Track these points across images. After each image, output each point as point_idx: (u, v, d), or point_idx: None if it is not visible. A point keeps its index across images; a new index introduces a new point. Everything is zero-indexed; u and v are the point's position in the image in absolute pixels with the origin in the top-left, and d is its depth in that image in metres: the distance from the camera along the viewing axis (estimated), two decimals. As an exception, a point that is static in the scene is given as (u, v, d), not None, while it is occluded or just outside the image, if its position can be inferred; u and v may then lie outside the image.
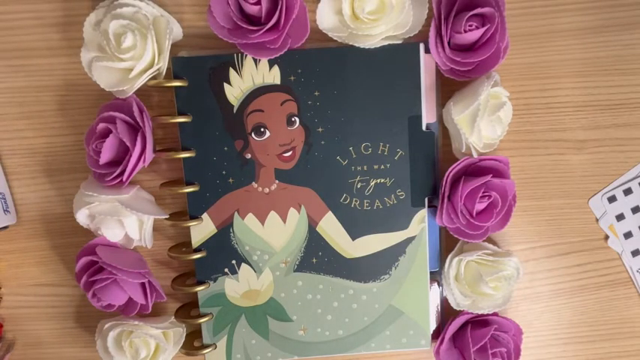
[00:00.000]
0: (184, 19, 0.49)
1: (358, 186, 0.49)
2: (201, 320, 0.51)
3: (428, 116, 0.49)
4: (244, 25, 0.45)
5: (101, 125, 0.46)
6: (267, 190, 0.49)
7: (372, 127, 0.49)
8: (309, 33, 0.47)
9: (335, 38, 0.47)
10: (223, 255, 0.50)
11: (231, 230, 0.50)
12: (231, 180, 0.49)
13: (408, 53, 0.48)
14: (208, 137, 0.48)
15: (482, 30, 0.45)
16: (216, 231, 0.50)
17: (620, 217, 0.54)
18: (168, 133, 0.51)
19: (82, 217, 0.48)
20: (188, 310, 0.52)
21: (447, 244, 0.53)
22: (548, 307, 0.55)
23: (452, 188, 0.48)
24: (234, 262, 0.50)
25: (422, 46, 0.48)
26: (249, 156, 0.49)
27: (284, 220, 0.50)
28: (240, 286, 0.51)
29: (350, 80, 0.48)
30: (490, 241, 0.53)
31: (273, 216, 0.50)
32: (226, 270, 0.50)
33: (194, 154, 0.48)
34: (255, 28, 0.45)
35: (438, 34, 0.47)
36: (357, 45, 0.47)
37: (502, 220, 0.49)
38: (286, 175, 0.49)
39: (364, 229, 0.50)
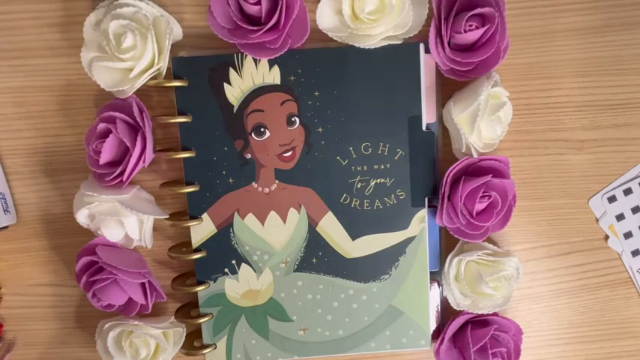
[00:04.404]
0: (184, 19, 0.49)
1: (358, 186, 0.49)
2: (201, 320, 0.51)
3: (428, 116, 0.49)
4: (244, 25, 0.45)
5: (101, 125, 0.46)
6: (267, 190, 0.49)
7: (372, 127, 0.49)
8: (309, 33, 0.47)
9: (335, 38, 0.47)
10: (223, 255, 0.50)
11: (231, 230, 0.50)
12: (231, 180, 0.49)
13: (408, 53, 0.48)
14: (208, 137, 0.48)
15: (482, 30, 0.45)
16: (216, 231, 0.50)
17: (620, 217, 0.54)
18: (168, 133, 0.51)
19: (82, 217, 0.48)
20: (188, 310, 0.52)
21: (447, 244, 0.53)
22: (548, 307, 0.55)
23: (452, 188, 0.48)
24: (234, 262, 0.50)
25: (422, 46, 0.48)
26: (249, 156, 0.49)
27: (284, 220, 0.50)
28: (240, 286, 0.51)
29: (350, 80, 0.48)
30: (490, 241, 0.53)
31: (273, 216, 0.50)
32: (226, 270, 0.50)
33: (194, 154, 0.48)
34: (255, 28, 0.45)
35: (438, 34, 0.47)
36: (357, 45, 0.47)
37: (502, 220, 0.49)
38: (286, 175, 0.49)
39: (364, 229, 0.50)
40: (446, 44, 0.46)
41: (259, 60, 0.47)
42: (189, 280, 0.52)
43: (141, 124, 0.46)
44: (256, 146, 0.49)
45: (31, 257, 0.53)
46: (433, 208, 0.50)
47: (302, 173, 0.49)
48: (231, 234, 0.50)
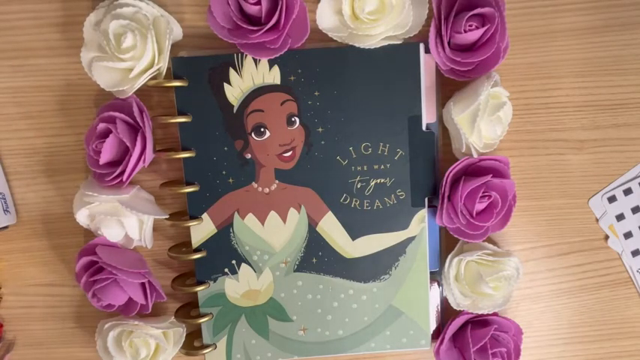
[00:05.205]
0: (184, 19, 0.49)
1: (358, 186, 0.49)
2: (201, 320, 0.51)
3: (428, 116, 0.49)
4: (244, 25, 0.45)
5: (101, 125, 0.46)
6: (267, 190, 0.49)
7: (372, 127, 0.49)
8: (309, 33, 0.47)
9: (335, 38, 0.47)
10: (223, 255, 0.50)
11: (231, 230, 0.50)
12: (231, 180, 0.49)
13: (408, 53, 0.48)
14: (208, 137, 0.48)
15: (482, 30, 0.45)
16: (216, 231, 0.50)
17: (620, 217, 0.54)
18: (168, 133, 0.51)
19: (82, 217, 0.48)
20: (188, 310, 0.52)
21: (447, 244, 0.53)
22: (548, 307, 0.55)
23: (452, 188, 0.48)
24: (234, 262, 0.50)
25: (422, 46, 0.48)
26: (249, 156, 0.49)
27: (284, 220, 0.50)
28: (240, 286, 0.51)
29: (350, 80, 0.48)
30: (490, 241, 0.53)
31: (273, 216, 0.50)
32: (226, 270, 0.50)
33: (194, 154, 0.48)
34: (255, 28, 0.45)
35: (438, 34, 0.47)
36: (357, 45, 0.47)
37: (502, 220, 0.49)
38: (286, 175, 0.49)
39: (364, 229, 0.50)
40: (446, 44, 0.46)
41: (259, 60, 0.47)
42: (189, 280, 0.52)
43: (141, 124, 0.46)
44: (256, 146, 0.49)
45: (31, 257, 0.53)
46: (433, 208, 0.50)
47: (302, 173, 0.49)
48: (231, 234, 0.50)
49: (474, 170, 0.48)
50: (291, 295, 0.51)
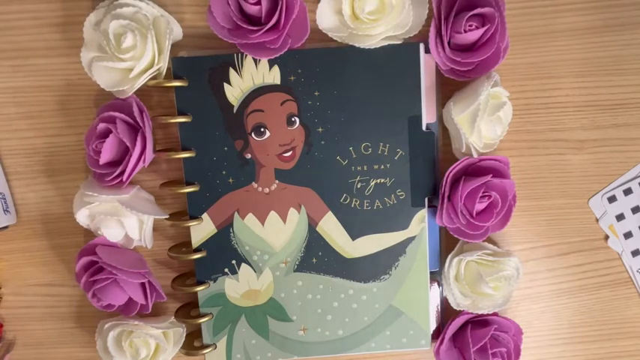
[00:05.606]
0: (184, 19, 0.49)
1: (358, 186, 0.49)
2: (201, 320, 0.51)
3: (428, 116, 0.49)
4: (244, 25, 0.45)
5: (101, 125, 0.46)
6: (267, 190, 0.49)
7: (372, 127, 0.49)
8: (309, 33, 0.47)
9: (335, 38, 0.47)
10: (223, 255, 0.50)
11: (231, 230, 0.50)
12: (231, 180, 0.49)
13: (408, 53, 0.48)
14: (208, 137, 0.48)
15: (482, 30, 0.45)
16: (216, 231, 0.50)
17: (620, 217, 0.54)
18: (168, 133, 0.51)
19: (82, 217, 0.48)
20: (188, 310, 0.52)
21: (447, 244, 0.53)
22: (548, 307, 0.55)
23: (452, 188, 0.48)
24: (234, 262, 0.50)
25: (422, 46, 0.48)
26: (249, 156, 0.49)
27: (284, 220, 0.50)
28: (240, 286, 0.51)
29: (350, 80, 0.48)
30: (490, 241, 0.53)
31: (273, 216, 0.50)
32: (226, 270, 0.50)
33: (194, 154, 0.48)
34: (255, 28, 0.45)
35: (438, 34, 0.47)
36: (357, 45, 0.47)
37: (502, 220, 0.49)
38: (286, 175, 0.49)
39: (364, 229, 0.50)
40: (446, 44, 0.46)
41: (259, 60, 0.47)
42: (189, 280, 0.52)
43: (141, 124, 0.46)
44: (256, 146, 0.49)
45: (31, 257, 0.53)
46: (433, 208, 0.50)
47: (302, 173, 0.49)
48: (231, 234, 0.50)
49: (474, 170, 0.48)
50: (291, 295, 0.51)
